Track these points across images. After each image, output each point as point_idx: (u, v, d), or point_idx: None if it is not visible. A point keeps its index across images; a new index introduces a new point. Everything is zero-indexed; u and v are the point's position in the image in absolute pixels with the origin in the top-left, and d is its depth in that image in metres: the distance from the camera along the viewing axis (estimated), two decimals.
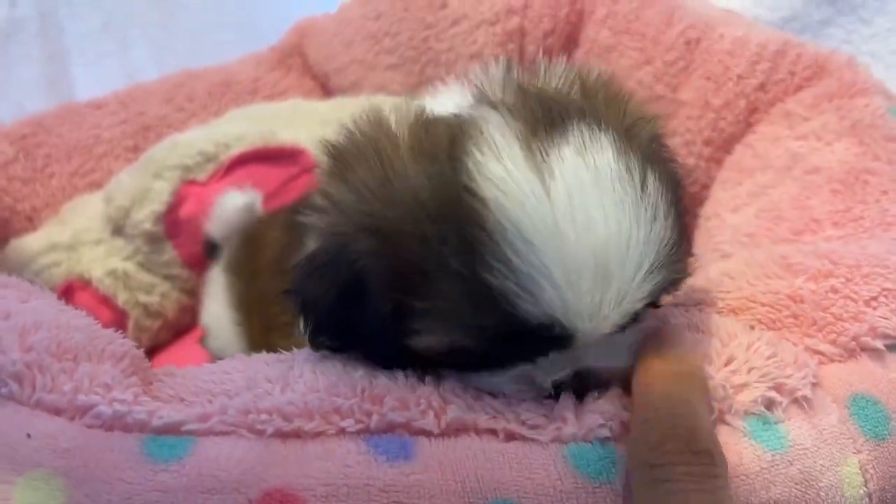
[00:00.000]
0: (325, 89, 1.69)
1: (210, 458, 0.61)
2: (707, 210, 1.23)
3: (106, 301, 1.28)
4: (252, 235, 1.26)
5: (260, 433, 0.63)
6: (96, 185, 1.45)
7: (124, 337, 0.74)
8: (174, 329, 1.40)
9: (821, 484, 0.66)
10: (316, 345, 0.74)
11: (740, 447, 0.66)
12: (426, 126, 0.69)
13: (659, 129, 0.74)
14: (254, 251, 1.20)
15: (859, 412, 0.71)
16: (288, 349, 0.75)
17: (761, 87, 1.23)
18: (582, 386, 0.68)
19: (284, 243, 0.95)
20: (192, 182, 1.32)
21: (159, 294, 1.35)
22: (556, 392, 0.68)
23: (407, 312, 0.65)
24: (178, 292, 1.37)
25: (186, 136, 1.39)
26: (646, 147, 0.68)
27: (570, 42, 1.47)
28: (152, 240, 1.32)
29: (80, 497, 0.59)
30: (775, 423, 0.68)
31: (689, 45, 1.31)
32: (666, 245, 0.65)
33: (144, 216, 1.30)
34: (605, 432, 0.65)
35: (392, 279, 0.65)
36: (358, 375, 0.67)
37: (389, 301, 0.66)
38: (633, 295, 0.64)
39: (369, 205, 0.66)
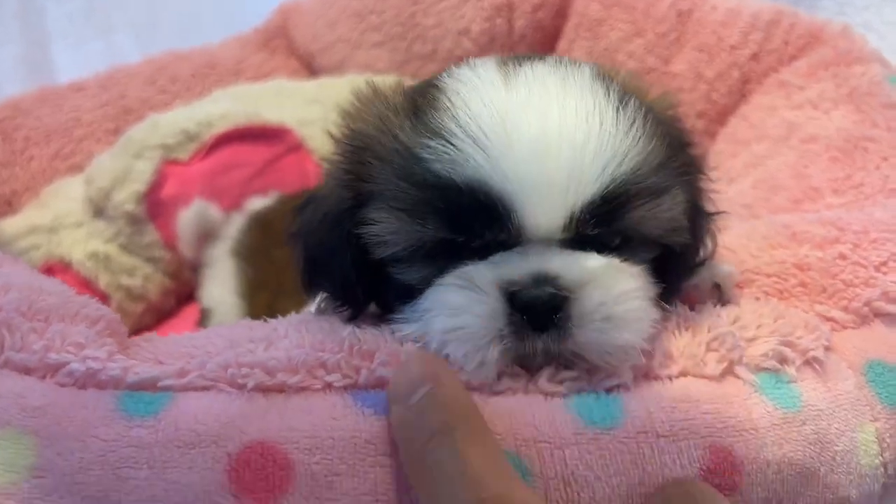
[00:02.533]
0: (311, 70, 1.67)
1: (188, 412, 0.59)
2: None
3: (87, 284, 1.25)
4: (264, 219, 1.25)
5: (241, 387, 0.61)
6: (77, 169, 1.42)
7: (101, 304, 0.71)
8: (158, 313, 1.37)
9: (836, 448, 0.65)
10: (306, 286, 0.75)
11: (750, 402, 0.65)
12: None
13: (674, 109, 0.76)
14: (266, 234, 1.19)
15: (876, 379, 0.70)
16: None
17: (755, 57, 1.22)
18: (550, 302, 0.63)
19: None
20: (173, 162, 1.29)
21: (142, 277, 1.31)
22: (521, 308, 0.62)
23: (362, 202, 0.68)
24: (162, 275, 1.34)
25: (168, 115, 1.36)
26: (649, 106, 0.70)
27: (559, 16, 1.45)
28: (134, 221, 1.28)
29: (51, 455, 0.57)
30: (788, 381, 0.67)
31: (680, 16, 1.29)
32: (638, 155, 0.65)
33: (125, 197, 1.26)
34: (615, 382, 0.64)
35: (353, 174, 0.69)
36: (345, 333, 0.66)
37: (349, 196, 0.69)
38: (586, 186, 0.63)
39: (357, 132, 0.71)
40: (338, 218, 0.71)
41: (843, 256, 0.77)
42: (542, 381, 0.64)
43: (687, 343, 0.68)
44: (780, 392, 0.66)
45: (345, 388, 0.62)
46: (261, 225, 1.24)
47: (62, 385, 0.61)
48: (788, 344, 0.68)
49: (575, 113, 0.64)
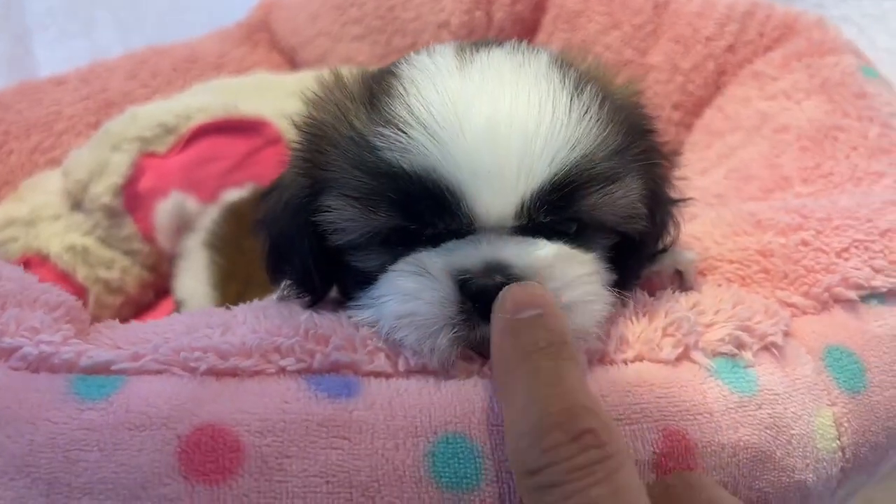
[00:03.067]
0: (293, 64, 1.67)
1: (140, 395, 0.59)
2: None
3: (65, 277, 1.24)
4: (237, 211, 1.24)
5: (193, 371, 0.62)
6: (56, 163, 1.41)
7: (63, 290, 0.72)
8: (136, 305, 1.36)
9: (792, 431, 0.65)
10: (270, 273, 0.76)
11: (705, 386, 0.65)
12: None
13: (638, 95, 0.76)
14: (239, 225, 1.19)
15: (834, 364, 0.70)
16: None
17: (730, 48, 1.22)
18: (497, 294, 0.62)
19: None
20: (151, 154, 1.29)
21: (120, 269, 1.31)
22: (472, 296, 0.62)
23: (319, 190, 0.68)
24: (140, 268, 1.34)
25: (146, 108, 1.35)
26: (609, 92, 0.70)
27: (537, 8, 1.45)
28: (111, 214, 1.28)
29: (1, 438, 0.57)
30: (745, 366, 0.67)
31: (657, 8, 1.30)
32: (592, 142, 0.65)
33: (103, 189, 1.26)
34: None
35: (310, 162, 0.70)
36: (302, 318, 0.66)
37: (305, 184, 0.70)
38: (535, 174, 0.62)
39: (315, 120, 0.72)
40: (296, 206, 0.71)
41: (805, 243, 0.78)
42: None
43: (643, 328, 0.68)
44: (736, 376, 0.66)
45: (298, 371, 0.62)
46: (234, 216, 1.24)
47: (15, 369, 0.61)
48: (746, 329, 0.68)
49: (527, 100, 0.64)
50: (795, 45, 1.16)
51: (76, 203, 1.29)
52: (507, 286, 0.61)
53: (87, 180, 1.27)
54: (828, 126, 1.01)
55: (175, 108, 1.33)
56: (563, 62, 0.70)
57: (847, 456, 0.68)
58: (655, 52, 1.29)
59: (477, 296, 0.62)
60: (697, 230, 0.86)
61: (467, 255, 0.64)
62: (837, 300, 0.75)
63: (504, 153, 0.62)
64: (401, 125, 0.63)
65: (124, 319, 1.26)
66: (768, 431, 0.64)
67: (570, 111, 0.64)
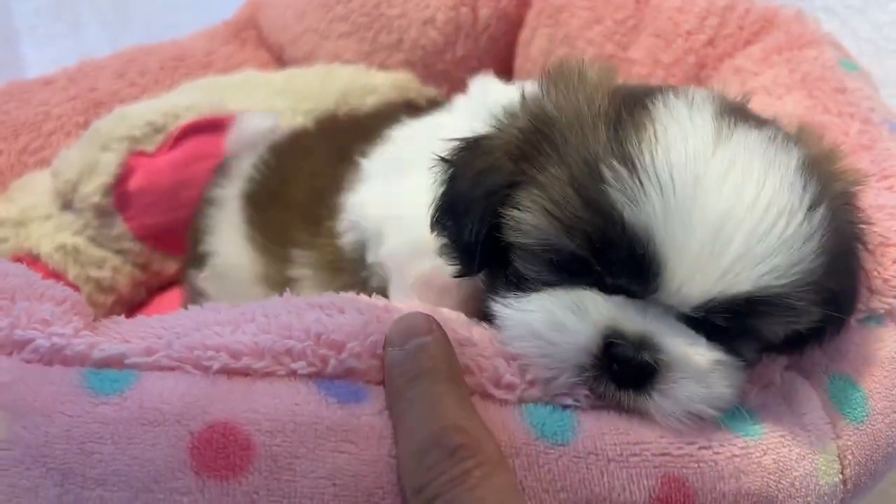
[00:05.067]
0: (280, 61, 1.67)
1: (153, 391, 0.61)
2: None
3: (56, 277, 1.24)
4: (285, 149, 1.22)
5: (206, 369, 0.63)
6: (46, 163, 1.41)
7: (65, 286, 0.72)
8: (128, 304, 1.37)
9: (795, 474, 0.65)
10: (433, 222, 0.74)
11: (708, 430, 0.65)
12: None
13: (854, 195, 0.73)
14: (287, 170, 1.16)
15: (839, 395, 0.70)
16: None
17: (710, 42, 1.23)
18: (640, 368, 0.63)
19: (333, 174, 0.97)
20: (140, 153, 1.29)
21: (111, 269, 1.32)
22: (612, 359, 0.63)
23: (523, 184, 0.66)
24: (131, 267, 1.34)
25: (134, 107, 1.36)
26: (835, 197, 0.68)
27: (522, 4, 1.46)
28: (102, 213, 1.29)
29: (17, 429, 0.58)
30: (749, 409, 0.67)
31: (638, 2, 1.31)
32: (802, 272, 0.62)
33: (93, 189, 1.27)
34: (569, 401, 0.65)
35: (522, 152, 0.68)
36: (311, 320, 0.66)
37: (509, 171, 0.68)
38: (737, 283, 0.61)
39: (540, 102, 0.71)
40: (490, 186, 0.70)
41: None
42: (488, 384, 0.65)
43: None
44: (742, 420, 0.66)
45: (309, 375, 0.63)
46: (280, 156, 1.20)
47: (28, 361, 0.62)
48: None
49: (765, 207, 0.61)
50: (775, 38, 1.17)
51: (66, 203, 1.29)
52: (397, 319, 0.65)
53: (76, 180, 1.27)
54: (809, 123, 1.01)
55: (163, 107, 1.34)
56: (811, 166, 0.66)
57: (848, 487, 0.68)
58: (637, 47, 1.30)
59: (618, 361, 0.63)
60: None
61: (630, 319, 0.63)
62: None
63: (720, 250, 0.60)
64: (638, 171, 0.61)
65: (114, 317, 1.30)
66: (771, 477, 0.64)
67: (797, 232, 0.62)
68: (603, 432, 0.63)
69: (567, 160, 0.65)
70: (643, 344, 0.63)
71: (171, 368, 0.63)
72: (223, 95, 1.42)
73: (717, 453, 0.63)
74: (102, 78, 1.52)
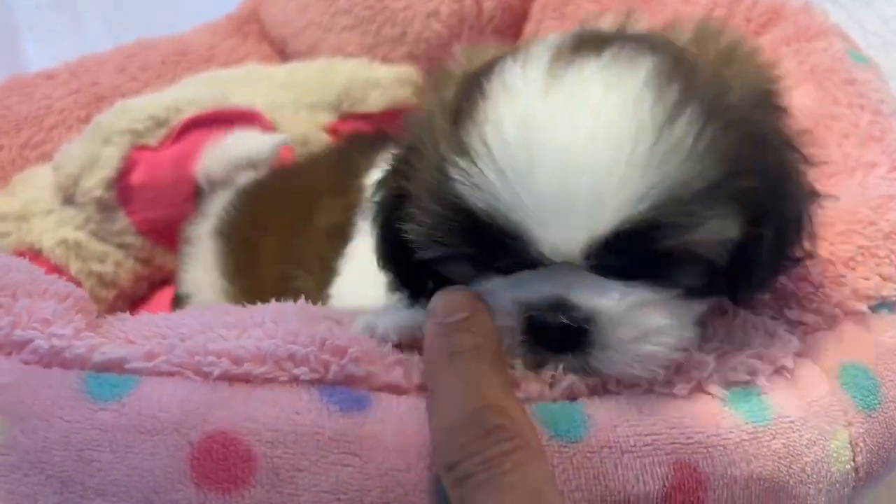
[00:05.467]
0: (283, 55, 1.66)
1: (152, 398, 0.59)
2: None
3: (58, 271, 1.23)
4: (251, 193, 1.21)
5: (206, 375, 0.61)
6: (47, 157, 1.41)
7: (69, 282, 0.72)
8: (130, 299, 1.37)
9: (806, 459, 0.64)
10: (377, 260, 0.74)
11: (718, 417, 0.63)
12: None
13: (768, 94, 0.69)
14: (253, 212, 1.16)
15: (850, 381, 0.69)
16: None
17: None
18: (565, 332, 0.62)
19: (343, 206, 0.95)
20: (142, 147, 1.29)
21: (113, 263, 1.31)
22: (536, 332, 0.63)
23: (404, 198, 0.67)
24: (133, 261, 1.34)
25: (136, 101, 1.35)
26: (718, 101, 0.62)
27: None
28: (103, 207, 1.28)
29: (15, 433, 0.57)
30: (759, 394, 0.66)
31: None
32: (680, 183, 0.58)
33: (95, 183, 1.26)
34: (568, 389, 0.64)
35: (398, 166, 0.69)
36: (321, 328, 0.65)
37: (395, 186, 0.68)
38: (605, 218, 0.58)
39: (411, 127, 0.71)
40: (387, 208, 0.71)
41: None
42: None
43: None
44: (751, 405, 0.65)
45: (312, 382, 0.62)
46: (247, 200, 1.20)
47: (27, 363, 0.61)
48: (757, 356, 0.67)
49: (606, 134, 0.58)
50: (783, 30, 1.16)
51: (68, 197, 1.29)
52: (442, 294, 0.63)
53: (78, 174, 1.26)
54: (818, 114, 1.00)
55: (165, 101, 1.33)
56: (669, 74, 0.61)
57: (860, 475, 0.67)
58: None
59: (539, 332, 0.63)
60: None
61: (534, 290, 0.63)
62: (848, 313, 0.73)
63: (572, 195, 0.58)
64: (474, 158, 0.60)
65: (118, 313, 1.29)
66: (782, 462, 0.63)
67: (654, 148, 0.58)
68: (615, 425, 0.62)
69: (425, 169, 0.65)
70: (554, 306, 0.62)
71: (171, 374, 0.61)
72: (226, 89, 1.42)
73: (726, 438, 0.62)
74: (104, 72, 1.52)
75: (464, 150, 0.61)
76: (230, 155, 1.27)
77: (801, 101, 1.04)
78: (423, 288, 0.72)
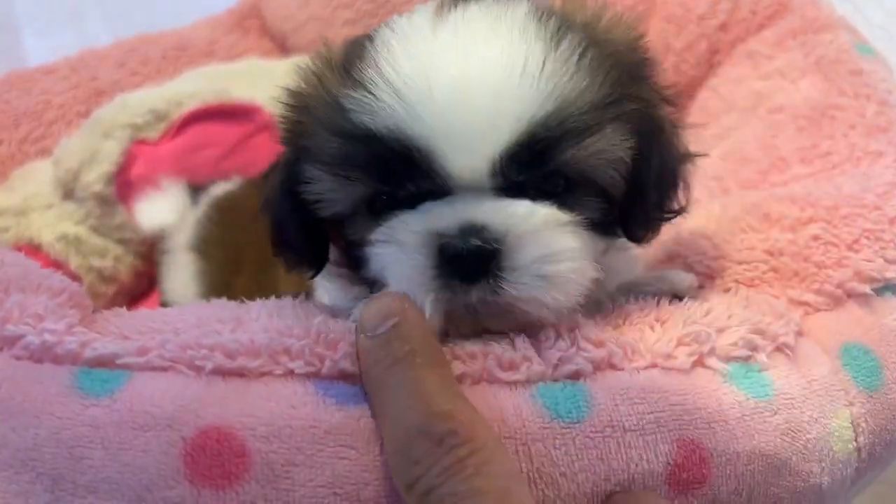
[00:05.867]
0: (284, 50, 1.65)
1: (144, 393, 0.58)
2: None
3: (58, 266, 1.24)
4: (224, 206, 1.20)
5: (199, 370, 0.60)
6: (47, 152, 1.40)
7: (64, 277, 0.70)
8: (130, 295, 1.36)
9: (808, 436, 0.64)
10: (276, 251, 0.76)
11: (720, 392, 0.63)
12: None
13: (636, 43, 0.73)
14: (226, 224, 1.16)
15: (851, 362, 0.69)
16: None
17: (723, 27, 1.21)
18: (478, 256, 0.61)
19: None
20: (142, 141, 1.28)
21: (113, 258, 1.31)
22: (448, 260, 0.61)
23: (300, 159, 0.68)
24: (133, 256, 1.33)
25: (136, 94, 1.35)
26: (596, 38, 0.68)
27: None
28: (103, 202, 1.28)
29: (5, 430, 0.56)
30: (759, 370, 0.65)
31: None
32: (568, 95, 0.62)
33: (94, 178, 1.26)
34: (572, 367, 0.63)
35: (291, 128, 0.70)
36: (316, 321, 0.63)
37: (290, 154, 0.70)
38: (504, 132, 0.61)
39: (297, 90, 0.72)
40: (283, 177, 0.71)
41: (815, 237, 0.76)
42: (494, 367, 0.62)
43: (658, 338, 0.66)
44: (751, 381, 0.65)
45: (307, 375, 0.60)
46: (220, 213, 1.20)
47: (18, 358, 0.60)
48: (758, 331, 0.67)
49: (497, 56, 0.62)
50: (789, 22, 1.15)
51: (67, 192, 1.29)
52: (365, 305, 0.61)
53: (78, 169, 1.26)
54: (824, 105, 1.00)
55: (166, 95, 1.33)
56: (547, 12, 0.67)
57: (863, 456, 0.67)
58: (648, 33, 1.28)
59: (453, 260, 0.61)
60: (703, 225, 0.85)
61: (442, 216, 0.63)
62: (851, 295, 0.73)
63: (472, 112, 0.61)
64: (370, 87, 0.62)
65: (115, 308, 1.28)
66: (784, 438, 0.63)
67: (542, 65, 0.62)
68: (616, 403, 0.61)
69: (318, 114, 0.67)
70: (465, 230, 0.61)
71: (164, 369, 0.60)
72: (227, 83, 1.41)
73: (727, 414, 0.62)
74: (104, 67, 1.51)
75: (358, 84, 0.63)
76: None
77: (808, 93, 1.04)
78: (324, 259, 0.74)
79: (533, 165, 0.63)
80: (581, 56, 0.64)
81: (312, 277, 0.74)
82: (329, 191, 0.67)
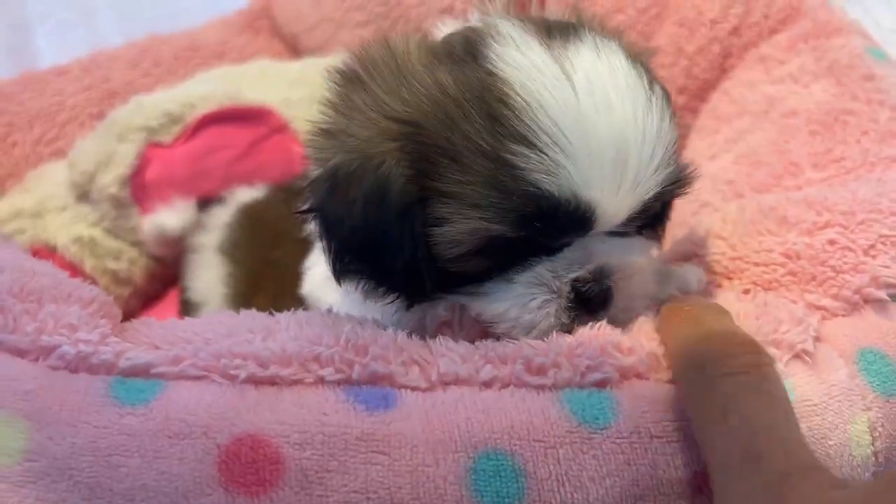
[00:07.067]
0: (295, 51, 1.66)
1: (179, 402, 0.59)
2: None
3: (73, 268, 1.24)
4: (252, 214, 1.19)
5: (233, 378, 0.61)
6: (61, 153, 1.41)
7: (94, 286, 0.71)
8: (144, 296, 1.37)
9: (829, 443, 0.65)
10: (339, 272, 0.73)
11: None
12: (435, 39, 0.74)
13: (647, 57, 0.78)
14: (256, 232, 1.15)
15: (868, 367, 0.69)
16: None
17: (735, 31, 1.21)
18: (604, 293, 0.70)
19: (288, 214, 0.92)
20: (157, 144, 1.29)
21: (127, 260, 1.31)
22: (578, 299, 0.69)
23: (432, 199, 0.66)
24: (147, 258, 1.34)
25: (151, 97, 1.35)
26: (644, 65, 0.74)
27: None
28: (118, 205, 1.28)
29: (42, 439, 0.57)
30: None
31: None
32: (672, 143, 0.69)
33: (110, 180, 1.26)
34: (599, 376, 0.64)
35: (416, 170, 0.67)
36: (345, 329, 0.65)
37: (415, 192, 0.67)
38: (648, 180, 0.67)
39: (389, 106, 0.68)
40: (403, 212, 0.67)
41: (832, 242, 0.77)
42: (522, 372, 0.64)
43: None
44: None
45: (337, 382, 0.62)
46: (249, 219, 1.18)
47: (54, 368, 0.61)
48: (773, 343, 0.68)
49: (633, 109, 0.66)
50: (801, 26, 1.15)
51: (83, 194, 1.29)
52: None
53: (93, 171, 1.27)
54: (837, 110, 1.00)
55: (179, 97, 1.33)
56: (630, 54, 0.71)
57: (879, 461, 0.67)
58: (660, 36, 1.28)
59: (591, 300, 0.70)
60: (721, 229, 0.86)
61: (579, 263, 0.70)
62: (868, 300, 0.74)
63: (628, 171, 0.66)
64: (539, 146, 0.64)
65: (132, 311, 1.30)
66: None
67: (660, 115, 0.68)
68: (644, 410, 0.62)
69: (464, 161, 0.65)
70: (601, 275, 0.70)
71: (198, 378, 0.61)
72: (240, 85, 1.41)
73: None
74: (116, 68, 1.52)
75: (520, 139, 0.64)
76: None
77: (820, 97, 1.04)
78: (423, 290, 0.72)
79: (649, 211, 0.71)
80: (662, 98, 0.70)
81: (409, 308, 0.74)
82: (467, 234, 0.67)
